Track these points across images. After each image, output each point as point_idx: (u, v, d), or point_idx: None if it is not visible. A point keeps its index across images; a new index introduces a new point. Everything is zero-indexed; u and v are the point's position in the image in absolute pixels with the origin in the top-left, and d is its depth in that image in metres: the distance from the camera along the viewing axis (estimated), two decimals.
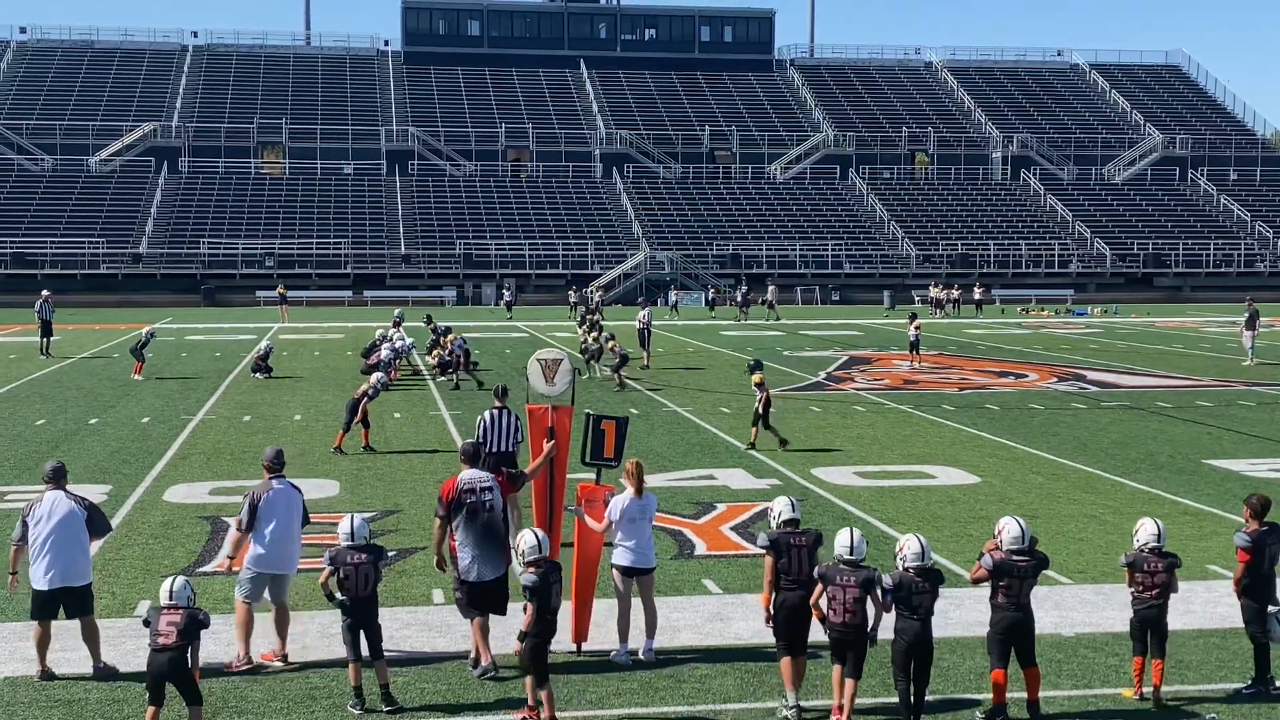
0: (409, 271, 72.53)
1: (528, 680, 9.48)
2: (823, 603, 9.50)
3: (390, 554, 14.21)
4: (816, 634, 9.76)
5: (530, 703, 9.45)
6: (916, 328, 35.46)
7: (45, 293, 39.85)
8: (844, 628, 9.31)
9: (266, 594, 10.79)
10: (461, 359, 30.78)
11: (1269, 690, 10.10)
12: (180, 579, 9.36)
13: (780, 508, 10.04)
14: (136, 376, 31.48)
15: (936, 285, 65.21)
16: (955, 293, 63.85)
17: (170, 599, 9.18)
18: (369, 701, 9.78)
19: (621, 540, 10.91)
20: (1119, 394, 29.24)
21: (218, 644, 10.70)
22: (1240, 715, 9.71)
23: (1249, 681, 10.19)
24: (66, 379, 31.79)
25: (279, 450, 11.18)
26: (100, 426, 23.89)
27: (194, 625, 9.11)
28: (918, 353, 35.46)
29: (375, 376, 22.48)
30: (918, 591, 9.22)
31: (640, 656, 10.78)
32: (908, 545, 9.39)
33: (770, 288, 62.14)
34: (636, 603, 10.94)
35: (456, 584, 10.81)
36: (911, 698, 9.24)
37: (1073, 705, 9.89)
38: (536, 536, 9.74)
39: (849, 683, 9.35)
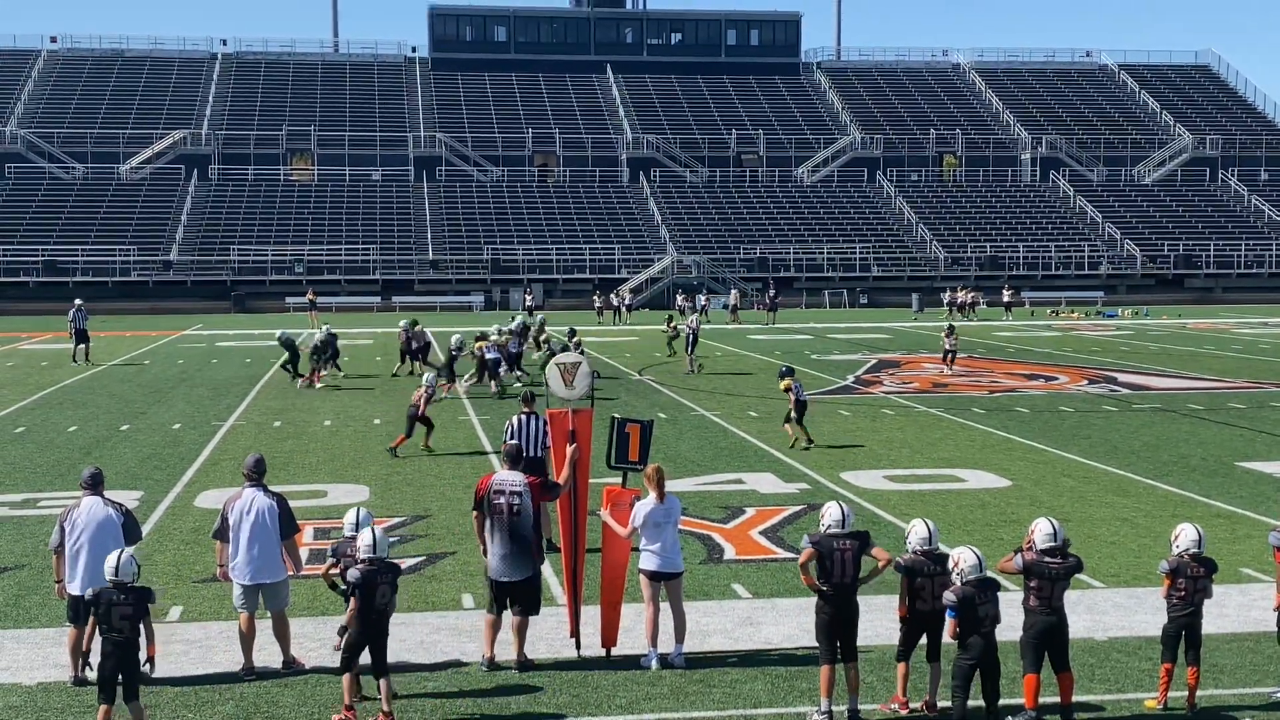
0: (437, 277, 72.70)
1: (345, 678, 9.60)
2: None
3: (421, 559, 14.26)
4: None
5: (347, 701, 9.56)
6: (954, 340, 35.13)
7: (78, 301, 40.03)
8: (932, 614, 9.53)
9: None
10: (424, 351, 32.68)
11: None
12: (126, 553, 9.50)
13: (830, 518, 9.90)
14: (316, 385, 30.74)
15: (954, 290, 64.85)
16: (971, 295, 63.23)
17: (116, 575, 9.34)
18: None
19: (647, 545, 10.90)
20: (1150, 396, 29.05)
21: (232, 653, 10.73)
22: None
23: None
24: (98, 385, 32.01)
25: (258, 459, 11.04)
26: (132, 433, 24.04)
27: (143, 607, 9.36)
28: (950, 363, 35.04)
29: (426, 378, 22.78)
30: (981, 603, 9.15)
31: (670, 661, 10.77)
32: (963, 559, 9.27)
33: (734, 291, 62.69)
34: (665, 607, 10.93)
35: (486, 580, 11.07)
36: (966, 714, 9.15)
37: (1106, 710, 9.82)
38: (374, 535, 9.87)
39: (932, 667, 9.67)
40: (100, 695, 9.16)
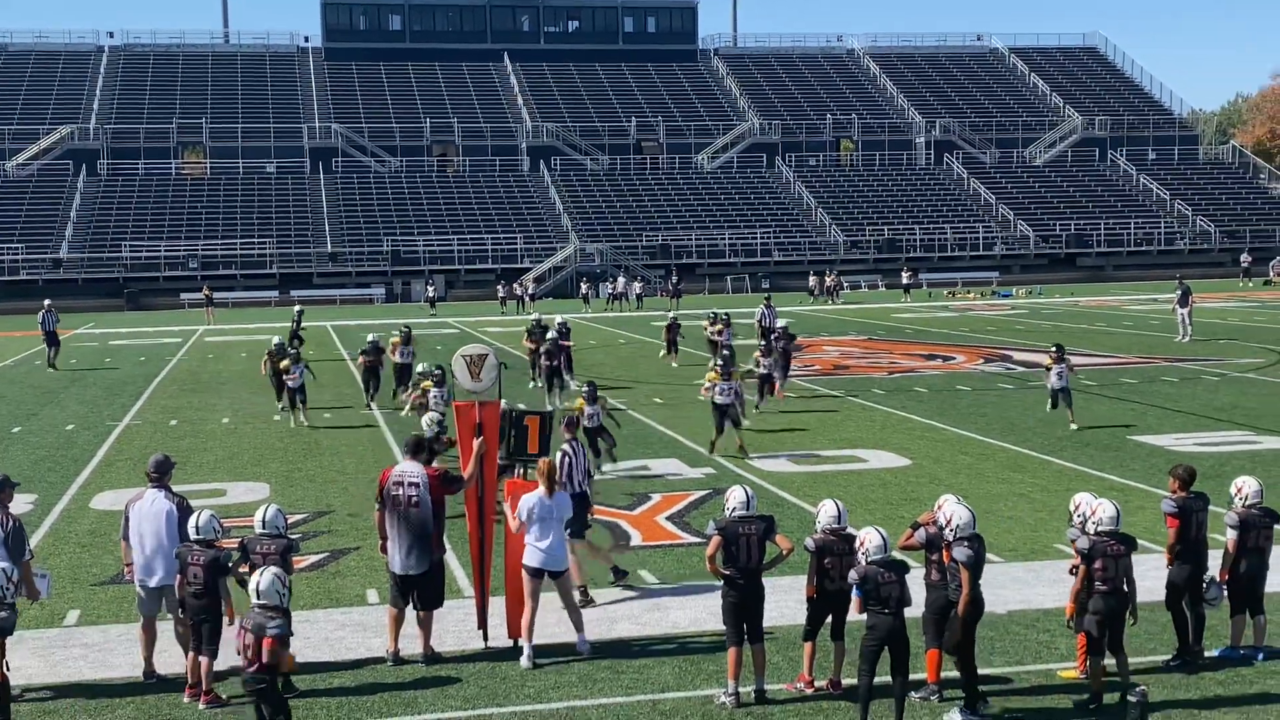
0: (336, 270, 71.92)
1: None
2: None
3: (324, 555, 14.11)
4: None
5: (190, 680, 10.03)
6: (1071, 368, 22.52)
7: (47, 302, 38.06)
8: (839, 593, 9.68)
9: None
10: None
11: (1196, 661, 10.26)
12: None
13: (734, 502, 9.94)
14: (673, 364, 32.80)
15: (817, 274, 65.45)
16: (833, 279, 63.63)
17: None
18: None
19: (533, 541, 10.80)
20: (1045, 374, 29.56)
21: (132, 657, 10.55)
22: (1170, 686, 9.87)
23: (1174, 653, 10.35)
24: None
25: (159, 460, 10.83)
26: (24, 434, 23.49)
27: None
28: (1070, 408, 21.88)
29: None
30: (885, 583, 9.17)
31: (577, 650, 10.77)
32: (869, 540, 9.32)
33: (620, 279, 63.47)
34: (552, 599, 10.92)
35: (388, 574, 11.01)
36: (871, 693, 9.15)
37: (1014, 682, 10.00)
38: (198, 518, 10.07)
39: (836, 645, 9.87)
40: None
